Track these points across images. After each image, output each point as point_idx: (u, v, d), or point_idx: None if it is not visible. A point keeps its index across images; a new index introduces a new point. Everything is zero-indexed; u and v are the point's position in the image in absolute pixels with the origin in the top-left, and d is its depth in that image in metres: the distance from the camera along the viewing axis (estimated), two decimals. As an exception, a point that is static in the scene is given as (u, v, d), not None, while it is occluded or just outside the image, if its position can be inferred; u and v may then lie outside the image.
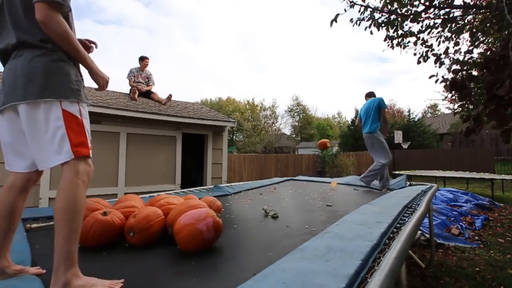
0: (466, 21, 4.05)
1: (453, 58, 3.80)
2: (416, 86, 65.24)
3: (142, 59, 6.06)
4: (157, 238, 1.49)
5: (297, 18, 70.29)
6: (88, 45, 1.36)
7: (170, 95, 6.04)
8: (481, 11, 3.49)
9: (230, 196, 3.22)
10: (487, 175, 8.04)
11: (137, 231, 1.45)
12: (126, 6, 73.14)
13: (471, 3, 3.70)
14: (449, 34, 4.23)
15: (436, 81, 3.49)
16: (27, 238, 1.50)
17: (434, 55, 4.16)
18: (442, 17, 3.86)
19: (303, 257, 1.07)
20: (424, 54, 4.31)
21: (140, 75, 6.02)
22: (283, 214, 2.27)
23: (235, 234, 1.77)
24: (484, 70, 1.87)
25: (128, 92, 6.01)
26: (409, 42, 4.37)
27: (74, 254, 0.98)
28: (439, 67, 3.96)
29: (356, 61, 73.18)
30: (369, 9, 3.93)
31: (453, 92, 1.86)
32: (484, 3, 3.77)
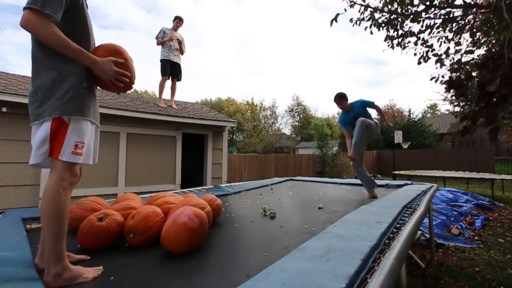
0: (466, 21, 4.05)
1: (453, 58, 3.79)
2: (412, 87, 66.09)
3: (176, 19, 5.48)
4: (158, 238, 1.48)
5: (293, 23, 70.86)
6: None
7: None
8: (482, 10, 3.49)
9: (230, 196, 3.22)
10: (487, 175, 8.04)
11: (137, 232, 1.44)
12: (128, 12, 74.48)
13: (472, 3, 3.69)
14: (449, 35, 4.23)
15: (436, 80, 3.49)
16: (28, 238, 1.50)
17: (434, 55, 4.16)
18: (442, 17, 3.86)
19: (303, 257, 1.07)
20: (424, 54, 4.30)
21: (172, 34, 5.41)
22: (283, 214, 2.26)
23: (235, 233, 1.77)
24: (482, 69, 1.87)
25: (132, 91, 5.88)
26: (409, 42, 4.37)
27: (61, 250, 1.09)
28: (440, 67, 3.95)
29: (352, 64, 73.75)
30: (369, 9, 3.93)
31: (451, 91, 1.86)
32: (484, 3, 3.77)
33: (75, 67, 1.18)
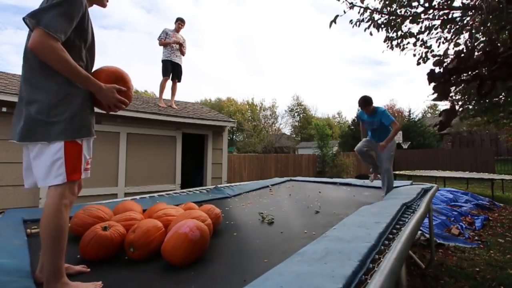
0: (465, 22, 4.05)
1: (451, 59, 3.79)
2: (412, 87, 66.55)
3: (177, 21, 5.49)
4: (158, 252, 1.47)
5: (293, 24, 71.27)
6: None
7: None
8: (480, 12, 3.49)
9: (230, 199, 3.21)
10: (487, 175, 8.03)
11: (137, 247, 1.43)
12: (128, 12, 75.05)
13: (471, 4, 3.69)
14: (448, 35, 4.23)
15: (433, 77, 3.48)
16: (28, 244, 1.49)
17: (434, 56, 4.16)
18: (441, 18, 3.86)
19: (302, 261, 1.08)
20: (423, 55, 4.30)
21: (174, 35, 5.41)
22: (282, 218, 2.25)
23: (235, 242, 1.76)
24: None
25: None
26: (408, 43, 4.37)
27: (61, 267, 1.10)
28: (439, 68, 3.96)
29: (352, 64, 74.45)
30: (368, 10, 3.93)
31: (431, 84, 1.90)
32: (484, 5, 3.78)
33: (80, 87, 1.18)
